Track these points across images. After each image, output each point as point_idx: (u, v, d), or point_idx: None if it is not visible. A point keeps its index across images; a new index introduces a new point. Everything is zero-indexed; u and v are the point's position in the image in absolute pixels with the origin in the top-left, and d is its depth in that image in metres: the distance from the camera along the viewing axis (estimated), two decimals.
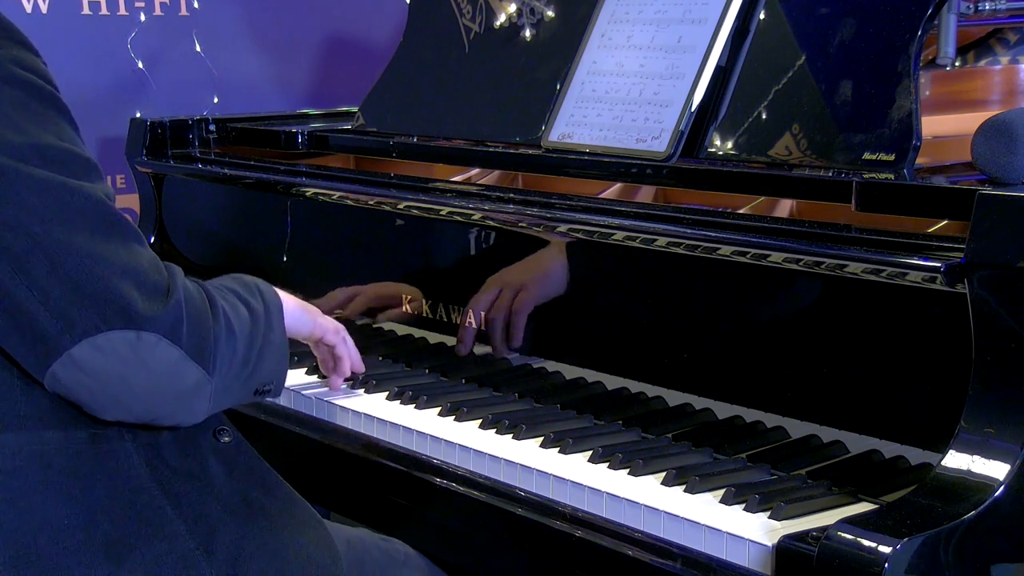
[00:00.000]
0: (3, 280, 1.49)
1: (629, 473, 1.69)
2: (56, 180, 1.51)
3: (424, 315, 2.18)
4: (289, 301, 1.89)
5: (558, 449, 1.78)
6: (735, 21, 1.99)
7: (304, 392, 2.10)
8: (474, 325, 2.07)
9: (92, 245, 1.51)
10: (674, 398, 1.85)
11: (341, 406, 2.03)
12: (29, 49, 1.58)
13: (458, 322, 2.11)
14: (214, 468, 1.67)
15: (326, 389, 2.10)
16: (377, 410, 1.99)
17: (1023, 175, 1.51)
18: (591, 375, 1.96)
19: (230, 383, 1.63)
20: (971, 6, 1.95)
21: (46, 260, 1.49)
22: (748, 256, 1.69)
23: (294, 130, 2.62)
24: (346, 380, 2.09)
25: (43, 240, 1.49)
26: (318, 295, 2.36)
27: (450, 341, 2.15)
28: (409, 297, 2.20)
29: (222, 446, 1.70)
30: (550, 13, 2.32)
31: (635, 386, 1.90)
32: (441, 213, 2.12)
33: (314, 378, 2.17)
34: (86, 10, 2.98)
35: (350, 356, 2.05)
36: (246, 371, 1.66)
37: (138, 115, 2.85)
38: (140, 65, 3.07)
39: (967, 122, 1.93)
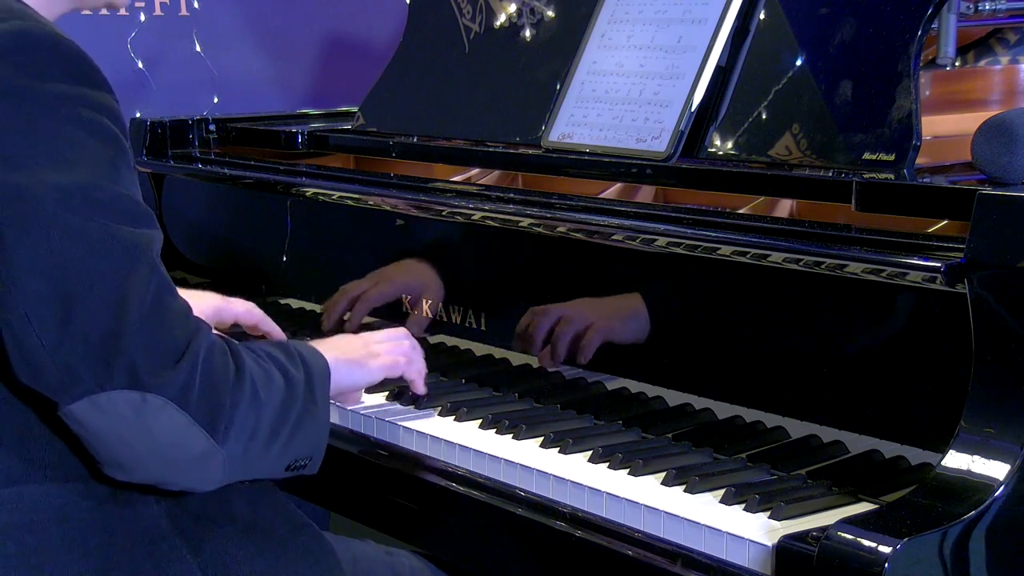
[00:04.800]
0: (16, 325, 1.43)
1: (629, 473, 1.69)
2: (91, 226, 1.43)
3: (424, 315, 2.18)
4: (339, 359, 1.78)
5: (558, 449, 1.78)
6: (735, 21, 1.99)
7: None
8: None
9: (111, 295, 1.43)
10: (674, 398, 1.85)
11: (340, 407, 2.03)
12: (100, 88, 1.52)
13: (458, 322, 2.11)
14: (238, 509, 1.62)
15: None
16: (376, 410, 1.99)
17: (1023, 175, 1.51)
18: (591, 375, 1.96)
19: (251, 454, 1.53)
20: (971, 6, 1.94)
21: (60, 308, 1.42)
22: (748, 256, 1.69)
23: (294, 130, 2.61)
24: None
25: (61, 286, 1.42)
26: (318, 295, 2.36)
27: (450, 341, 2.15)
28: (409, 297, 2.20)
29: (246, 488, 1.64)
30: (550, 13, 2.32)
31: (635, 386, 1.90)
32: (441, 213, 2.12)
33: None
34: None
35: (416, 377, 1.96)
36: (275, 443, 1.56)
37: (138, 115, 2.85)
38: (140, 65, 3.07)
39: (967, 122, 1.93)
